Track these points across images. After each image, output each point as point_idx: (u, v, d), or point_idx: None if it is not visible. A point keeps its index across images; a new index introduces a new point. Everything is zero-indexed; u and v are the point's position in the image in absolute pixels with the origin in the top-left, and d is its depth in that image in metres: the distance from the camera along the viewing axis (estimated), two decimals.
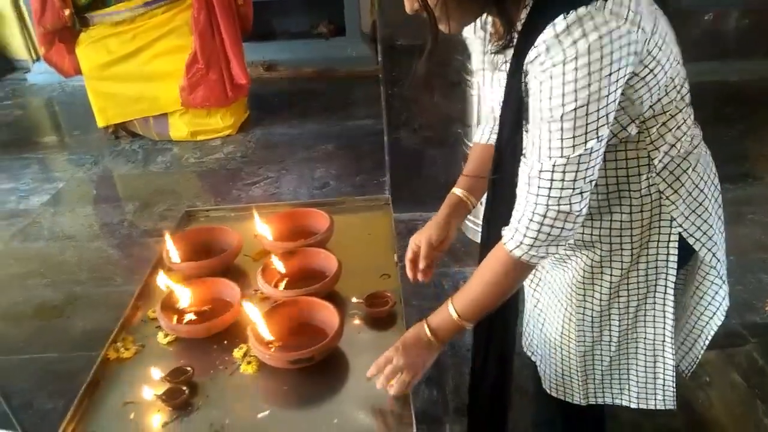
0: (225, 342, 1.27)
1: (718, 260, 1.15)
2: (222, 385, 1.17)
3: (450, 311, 1.10)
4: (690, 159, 1.08)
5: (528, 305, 1.36)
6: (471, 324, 1.11)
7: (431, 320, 1.12)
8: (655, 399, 1.26)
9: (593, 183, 0.97)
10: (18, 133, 4.52)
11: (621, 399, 1.29)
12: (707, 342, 1.24)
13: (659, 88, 0.98)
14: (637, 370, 1.25)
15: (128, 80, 3.92)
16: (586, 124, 0.89)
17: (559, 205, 0.96)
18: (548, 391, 1.35)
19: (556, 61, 0.86)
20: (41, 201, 3.44)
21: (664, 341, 1.20)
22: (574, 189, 0.95)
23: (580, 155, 0.91)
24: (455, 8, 0.95)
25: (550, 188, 0.95)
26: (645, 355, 1.22)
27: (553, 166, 0.93)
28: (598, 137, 0.91)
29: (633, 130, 1.01)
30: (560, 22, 0.84)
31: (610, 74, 0.86)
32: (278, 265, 1.42)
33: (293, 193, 3.27)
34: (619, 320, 1.19)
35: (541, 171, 0.95)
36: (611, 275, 1.15)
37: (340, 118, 4.29)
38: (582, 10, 0.84)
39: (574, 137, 0.90)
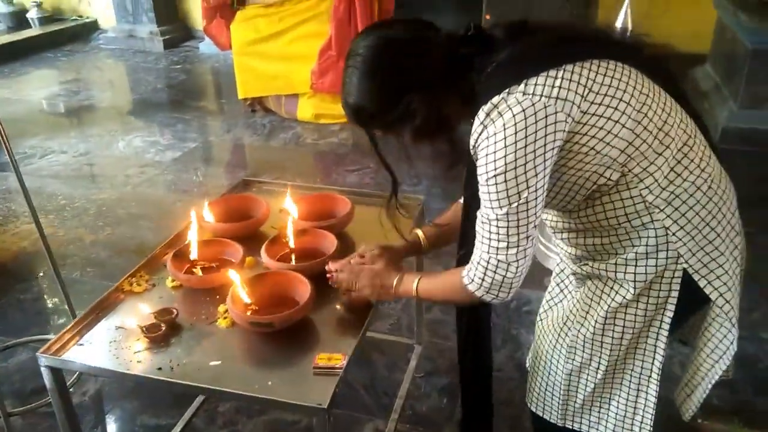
0: (217, 297, 1.41)
1: (728, 302, 1.13)
2: (197, 331, 1.32)
3: (413, 289, 1.30)
4: (697, 196, 1.09)
5: (537, 318, 1.41)
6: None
7: (401, 281, 1.32)
8: None
9: (530, 239, 1.09)
10: (177, 95, 5.13)
11: (597, 428, 1.28)
12: (710, 386, 1.20)
13: (618, 140, 1.05)
14: (618, 402, 1.24)
15: (269, 58, 4.27)
16: (507, 189, 1.04)
17: (497, 254, 1.10)
18: (528, 404, 1.38)
19: (481, 140, 1.05)
20: (173, 156, 3.90)
21: (650, 377, 1.19)
22: (509, 242, 1.08)
23: (507, 213, 1.06)
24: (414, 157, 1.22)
25: (489, 239, 1.10)
26: (629, 387, 1.22)
27: (489, 220, 1.09)
28: (520, 199, 1.04)
29: (613, 175, 1.08)
30: (480, 112, 1.05)
31: (526, 145, 1.01)
32: (290, 239, 1.54)
33: (383, 185, 3.37)
34: (611, 349, 1.20)
35: (482, 222, 1.11)
36: (611, 302, 1.17)
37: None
38: (496, 98, 1.03)
39: (498, 199, 1.06)
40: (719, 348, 1.16)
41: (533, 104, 1.00)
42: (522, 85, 1.02)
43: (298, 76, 4.21)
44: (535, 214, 1.07)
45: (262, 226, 1.67)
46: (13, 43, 6.16)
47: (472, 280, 1.14)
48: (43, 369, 1.23)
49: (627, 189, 1.08)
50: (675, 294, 1.13)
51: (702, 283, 1.12)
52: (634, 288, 1.14)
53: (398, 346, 2.24)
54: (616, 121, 1.04)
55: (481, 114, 1.04)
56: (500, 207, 1.06)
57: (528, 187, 1.04)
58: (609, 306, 1.17)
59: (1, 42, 6.13)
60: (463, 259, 1.21)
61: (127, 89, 5.46)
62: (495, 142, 1.02)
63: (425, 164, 1.26)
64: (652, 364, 1.18)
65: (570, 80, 1.02)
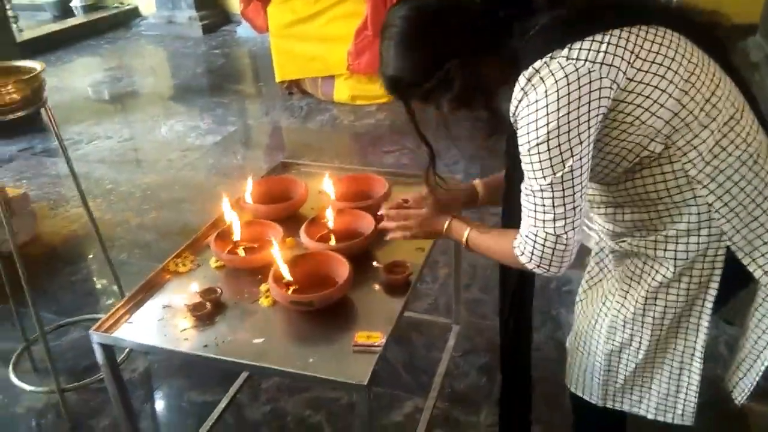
0: (259, 277, 1.44)
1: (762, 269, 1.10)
2: (241, 309, 1.36)
3: (464, 238, 1.28)
4: (742, 171, 1.06)
5: (576, 298, 1.39)
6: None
7: (450, 228, 1.32)
8: (674, 413, 1.23)
9: (578, 210, 1.06)
10: (216, 79, 5.20)
11: (639, 408, 1.27)
12: (762, 369, 1.17)
13: (664, 110, 1.01)
14: (660, 381, 1.22)
15: (306, 40, 4.28)
16: (550, 158, 1.01)
17: (545, 227, 1.07)
18: (568, 385, 1.37)
19: (521, 108, 1.02)
20: (214, 140, 3.97)
21: (693, 355, 1.18)
22: (555, 214, 1.05)
23: (551, 183, 1.03)
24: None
25: (535, 211, 1.07)
26: (671, 366, 1.20)
27: (533, 191, 1.06)
28: (564, 168, 1.01)
29: (657, 148, 1.05)
30: (521, 78, 1.02)
31: (569, 112, 0.98)
32: (330, 220, 1.56)
33: (421, 166, 3.36)
34: (652, 329, 1.18)
35: (527, 195, 1.08)
36: (652, 281, 1.15)
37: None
38: (537, 63, 1.00)
39: (542, 169, 1.02)
40: None
41: (577, 69, 0.97)
42: (565, 50, 0.98)
43: (334, 58, 4.21)
44: (581, 183, 1.04)
45: (302, 208, 1.70)
46: (58, 31, 6.34)
47: (523, 253, 1.11)
48: (95, 346, 1.28)
49: (669, 162, 1.05)
50: (718, 273, 1.10)
51: (746, 261, 1.09)
52: (675, 266, 1.11)
53: (436, 325, 2.25)
54: (663, 90, 1.00)
55: (521, 80, 1.01)
56: (544, 177, 1.03)
57: (572, 155, 1.00)
58: (649, 285, 1.15)
59: (47, 31, 6.32)
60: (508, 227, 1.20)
61: (168, 75, 5.56)
62: (536, 110, 0.99)
63: (464, 139, 1.25)
64: (695, 342, 1.16)
65: (616, 45, 0.98)
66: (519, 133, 1.04)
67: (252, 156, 3.80)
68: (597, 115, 0.99)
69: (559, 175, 1.02)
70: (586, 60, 0.97)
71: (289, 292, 1.35)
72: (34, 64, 1.75)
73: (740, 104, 1.09)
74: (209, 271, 1.50)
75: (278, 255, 1.37)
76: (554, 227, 1.06)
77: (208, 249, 1.55)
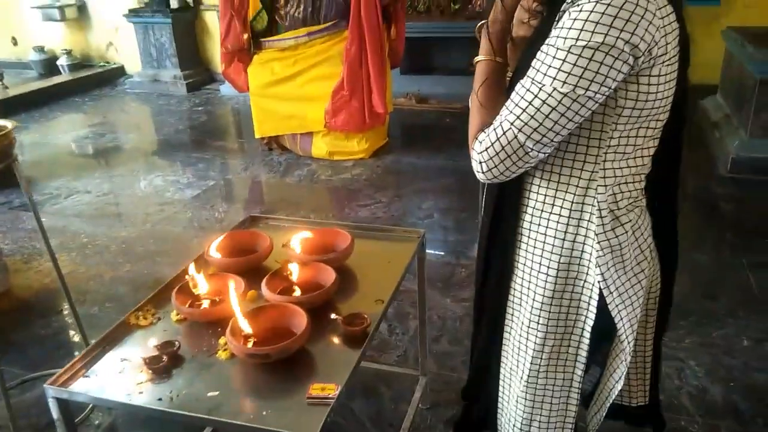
0: (219, 330, 1.46)
1: (623, 322, 1.16)
2: (198, 363, 1.37)
3: (474, 91, 1.15)
4: (628, 219, 1.12)
5: None
6: None
7: (478, 66, 1.16)
8: None
9: (555, 140, 1.01)
10: (197, 135, 5.30)
11: None
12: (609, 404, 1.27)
13: (644, 104, 1.01)
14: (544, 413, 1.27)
15: (284, 99, 4.41)
16: (585, 68, 0.93)
17: (519, 129, 1.00)
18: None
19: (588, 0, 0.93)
20: (192, 194, 4.02)
21: (570, 388, 1.24)
22: (538, 125, 0.99)
23: (564, 93, 0.95)
24: None
25: (522, 108, 0.99)
26: (551, 400, 1.26)
27: (539, 88, 0.97)
28: (588, 89, 0.94)
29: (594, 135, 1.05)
30: None
31: (628, 40, 0.92)
32: (294, 272, 1.59)
33: (395, 219, 3.44)
34: (533, 357, 1.22)
35: (525, 87, 0.99)
36: (533, 303, 1.20)
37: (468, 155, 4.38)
38: None
39: (568, 73, 0.94)
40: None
41: (650, 8, 0.93)
42: None
43: (312, 116, 4.34)
44: (580, 117, 0.99)
45: (266, 261, 1.73)
46: (43, 89, 6.45)
47: (481, 142, 1.07)
48: (50, 400, 1.28)
49: (601, 126, 1.05)
50: (594, 304, 1.16)
51: (609, 298, 1.14)
52: (547, 281, 1.18)
53: (405, 377, 2.26)
54: (668, 93, 1.03)
55: None
56: (562, 83, 0.95)
57: (603, 83, 0.94)
58: (532, 307, 1.22)
59: (33, 88, 6.44)
60: None
61: (151, 131, 5.66)
62: (603, 13, 0.91)
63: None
64: (573, 375, 1.24)
65: (675, 26, 0.99)
66: (564, 23, 0.95)
67: (230, 209, 3.85)
68: (630, 57, 0.94)
69: (578, 92, 0.95)
70: (665, 7, 0.96)
71: (249, 344, 1.37)
72: (5, 123, 1.80)
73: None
74: (170, 324, 1.51)
75: (237, 307, 1.39)
76: (527, 136, 1.01)
77: (169, 302, 1.57)
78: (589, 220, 1.11)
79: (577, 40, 0.93)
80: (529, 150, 1.03)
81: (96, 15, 7.07)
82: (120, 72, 7.16)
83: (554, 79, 0.96)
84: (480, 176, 1.12)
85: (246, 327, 1.38)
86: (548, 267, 1.17)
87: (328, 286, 1.52)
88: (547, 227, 1.15)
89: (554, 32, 0.97)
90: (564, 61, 0.95)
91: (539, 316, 1.20)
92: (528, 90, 0.99)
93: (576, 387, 1.24)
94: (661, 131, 1.12)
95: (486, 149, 1.07)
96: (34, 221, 3.62)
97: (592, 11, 0.92)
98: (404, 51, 4.57)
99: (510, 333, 1.27)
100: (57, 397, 1.28)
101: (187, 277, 1.58)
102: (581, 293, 1.16)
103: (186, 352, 1.40)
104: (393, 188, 3.91)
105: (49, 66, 7.04)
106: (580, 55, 0.93)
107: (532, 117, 0.99)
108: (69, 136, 5.35)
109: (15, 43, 7.37)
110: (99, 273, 3.11)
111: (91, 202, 3.97)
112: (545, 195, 1.14)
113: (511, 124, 1.02)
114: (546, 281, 1.17)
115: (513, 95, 1.02)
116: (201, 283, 1.56)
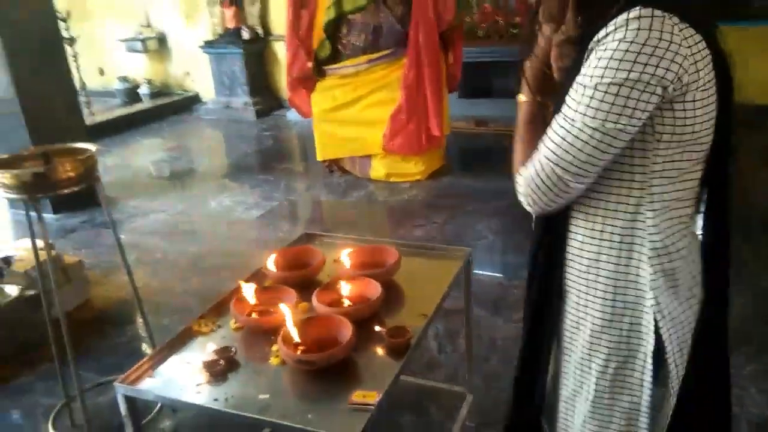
0: (272, 338, 1.56)
1: (672, 347, 1.15)
2: (252, 368, 1.48)
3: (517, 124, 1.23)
4: (680, 245, 1.13)
5: None
6: None
7: (522, 105, 1.23)
8: None
9: (595, 169, 1.05)
10: (264, 158, 5.55)
11: None
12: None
13: (684, 129, 1.04)
14: None
15: (345, 123, 4.58)
16: (612, 103, 0.99)
17: (557, 163, 1.05)
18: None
19: (616, 38, 0.98)
20: (258, 214, 4.22)
21: (639, 411, 1.20)
22: (573, 157, 1.04)
23: (594, 128, 1.01)
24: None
25: (557, 144, 1.05)
26: (620, 423, 1.23)
27: (571, 124, 1.03)
28: (618, 123, 1.00)
29: (636, 171, 1.08)
30: (635, 10, 0.97)
31: (654, 73, 0.97)
32: (343, 286, 1.69)
33: (449, 239, 3.50)
34: (597, 378, 1.22)
35: (559, 124, 1.05)
36: (592, 326, 1.20)
37: None
38: (658, 11, 0.97)
39: (596, 109, 1.00)
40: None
41: (679, 45, 0.97)
42: (677, 18, 0.98)
43: (371, 139, 4.48)
44: (615, 148, 1.03)
45: (318, 275, 1.84)
46: (126, 115, 6.94)
47: (522, 175, 1.13)
48: (119, 397, 1.42)
49: (642, 161, 1.08)
50: (652, 329, 1.15)
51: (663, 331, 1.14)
52: (603, 308, 1.18)
53: (453, 394, 2.29)
54: (707, 117, 1.05)
55: (625, 15, 0.98)
56: (592, 118, 1.01)
57: (632, 116, 0.99)
58: (591, 330, 1.21)
59: (117, 114, 6.94)
60: None
61: (222, 154, 5.97)
62: (627, 50, 0.97)
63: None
64: (641, 398, 1.20)
65: (708, 49, 1.01)
66: (590, 62, 1.01)
67: (292, 228, 4.01)
68: (658, 87, 0.98)
69: (607, 126, 1.01)
70: (688, 38, 0.99)
71: (298, 352, 1.47)
72: (90, 146, 2.00)
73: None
74: (228, 332, 1.64)
75: (289, 318, 1.50)
76: (564, 170, 1.06)
77: (228, 312, 1.69)
78: (641, 245, 1.13)
79: (602, 77, 0.99)
80: (569, 182, 1.08)
81: (175, 47, 7.56)
82: (195, 99, 7.60)
83: (584, 115, 1.01)
84: (527, 208, 1.18)
85: (295, 336, 1.48)
86: (604, 291, 1.18)
87: (374, 300, 1.60)
88: (599, 253, 1.17)
89: (582, 70, 1.03)
90: (591, 98, 1.00)
91: (600, 338, 1.20)
92: (561, 126, 1.05)
93: (645, 410, 1.21)
94: (707, 154, 1.13)
95: (528, 184, 1.13)
96: (113, 237, 3.94)
97: (615, 49, 0.98)
98: (463, 75, 4.66)
99: (570, 356, 1.28)
100: (125, 394, 1.41)
101: (244, 286, 1.70)
102: (641, 317, 1.16)
103: (241, 357, 1.51)
104: (448, 209, 3.98)
105: (131, 94, 7.56)
106: (606, 92, 0.99)
107: (566, 151, 1.05)
108: (148, 158, 5.73)
109: (102, 73, 7.96)
110: (170, 286, 3.32)
111: (166, 221, 4.24)
112: (594, 222, 1.17)
113: (548, 159, 1.08)
114: (603, 305, 1.18)
115: (549, 131, 1.08)
116: (252, 296, 1.68)
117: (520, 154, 1.19)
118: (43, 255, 2.16)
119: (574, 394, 1.28)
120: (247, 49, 6.69)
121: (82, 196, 4.14)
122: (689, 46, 1.00)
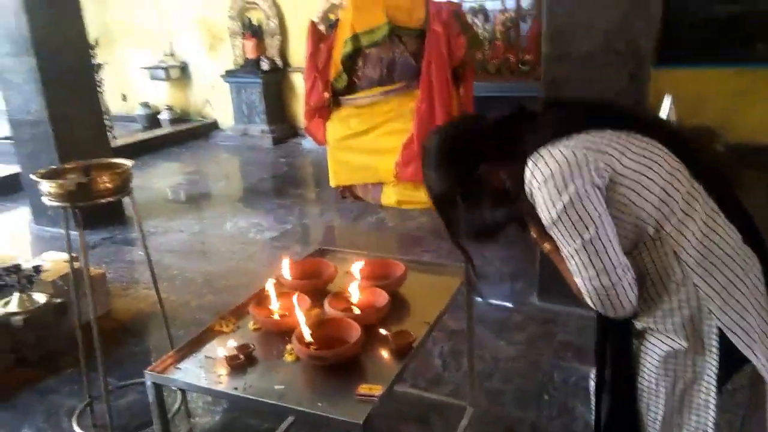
0: (287, 338, 1.70)
1: (757, 357, 1.24)
2: (269, 363, 1.61)
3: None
4: (722, 257, 1.25)
5: None
6: None
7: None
8: None
9: (621, 263, 1.23)
10: (279, 184, 5.74)
11: None
12: None
13: (652, 195, 1.24)
14: None
15: (358, 152, 4.77)
16: (572, 226, 1.22)
17: (591, 281, 1.24)
18: None
19: (534, 188, 1.25)
20: (271, 236, 4.38)
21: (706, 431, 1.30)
22: (597, 269, 1.23)
23: (583, 245, 1.22)
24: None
25: (579, 270, 1.26)
26: None
27: (570, 255, 1.26)
28: (589, 231, 1.21)
29: (650, 230, 1.26)
30: (529, 162, 1.26)
31: (576, 187, 1.20)
32: (353, 294, 1.83)
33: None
34: (665, 399, 1.32)
35: (567, 260, 1.29)
36: (660, 352, 1.32)
37: None
38: (542, 150, 1.25)
39: (570, 236, 1.23)
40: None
41: (575, 154, 1.21)
42: (565, 140, 1.24)
43: (383, 167, 4.65)
44: (610, 241, 1.21)
45: (330, 285, 1.98)
46: (146, 140, 7.19)
47: (588, 298, 1.28)
48: (147, 384, 1.56)
49: (662, 246, 1.26)
50: (716, 350, 1.25)
51: (735, 340, 1.23)
52: (674, 338, 1.28)
53: (455, 408, 2.40)
54: (650, 179, 1.24)
55: (530, 164, 1.25)
56: (574, 241, 1.22)
57: (592, 219, 1.20)
58: (659, 356, 1.31)
59: (138, 139, 7.19)
60: None
61: (239, 179, 6.17)
62: (547, 191, 1.22)
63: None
64: (707, 418, 1.29)
65: (610, 140, 1.25)
66: (538, 211, 1.26)
67: (304, 250, 4.15)
68: (595, 186, 1.20)
69: (587, 237, 1.21)
70: (582, 148, 1.23)
71: (311, 350, 1.60)
72: (126, 161, 2.18)
73: (714, 208, 1.28)
74: (247, 332, 1.78)
75: (302, 318, 1.64)
76: (600, 280, 1.23)
77: (249, 314, 1.84)
78: (696, 284, 1.25)
79: (551, 216, 1.23)
80: (615, 281, 1.23)
81: (196, 75, 7.85)
82: (214, 126, 7.85)
83: (567, 244, 1.25)
84: (615, 316, 1.30)
85: (307, 334, 1.62)
86: (675, 333, 1.29)
87: (381, 306, 1.74)
88: (663, 314, 1.30)
89: (542, 219, 1.26)
90: (560, 231, 1.24)
91: (665, 363, 1.31)
92: (567, 260, 1.27)
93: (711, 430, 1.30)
94: (706, 198, 1.26)
95: (595, 305, 1.28)
96: (132, 254, 4.13)
97: (541, 192, 1.23)
98: (475, 108, 4.85)
99: (642, 383, 1.37)
100: (154, 381, 1.55)
101: (266, 287, 1.85)
102: (704, 340, 1.27)
103: (259, 354, 1.65)
104: None
105: (152, 120, 7.83)
106: (561, 219, 1.23)
107: (585, 269, 1.24)
108: (167, 181, 5.94)
109: (124, 99, 8.26)
110: (186, 301, 3.47)
111: (183, 240, 4.40)
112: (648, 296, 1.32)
113: (583, 283, 1.26)
114: (677, 336, 1.29)
115: (570, 270, 1.29)
116: (274, 299, 1.83)
117: (568, 275, 1.35)
118: (77, 264, 2.32)
119: (647, 409, 1.37)
120: (265, 79, 6.95)
121: (104, 215, 4.37)
122: (598, 138, 1.23)
